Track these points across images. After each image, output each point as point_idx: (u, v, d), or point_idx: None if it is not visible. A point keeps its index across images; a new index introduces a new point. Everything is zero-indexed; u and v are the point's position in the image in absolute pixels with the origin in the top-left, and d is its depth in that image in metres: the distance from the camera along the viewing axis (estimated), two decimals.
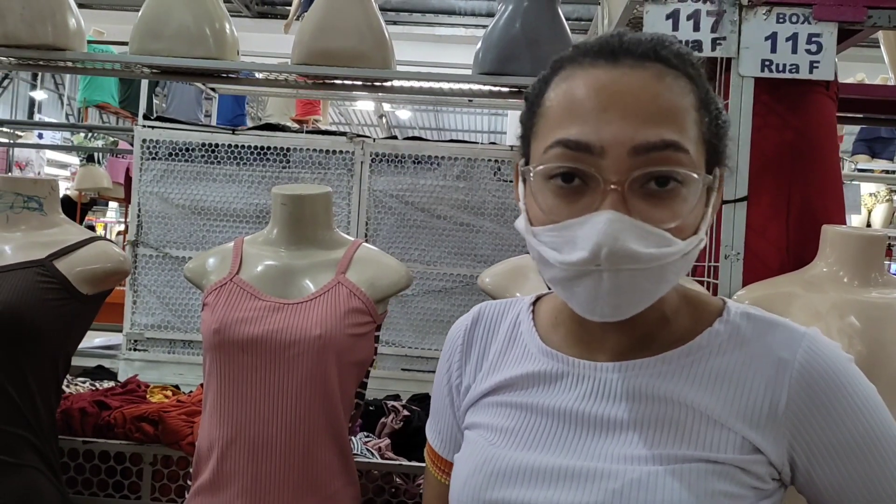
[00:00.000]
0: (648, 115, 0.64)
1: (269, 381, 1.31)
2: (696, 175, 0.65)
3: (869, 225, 6.54)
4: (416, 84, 2.39)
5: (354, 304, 1.38)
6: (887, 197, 6.60)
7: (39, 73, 10.92)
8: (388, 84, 2.37)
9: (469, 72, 2.31)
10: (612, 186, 0.64)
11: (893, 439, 0.68)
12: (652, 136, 0.64)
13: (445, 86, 2.42)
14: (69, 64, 2.40)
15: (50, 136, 9.25)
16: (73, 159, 9.32)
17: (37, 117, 9.90)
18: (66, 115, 12.27)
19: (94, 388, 1.99)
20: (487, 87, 2.35)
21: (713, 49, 1.56)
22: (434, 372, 0.90)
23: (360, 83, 2.35)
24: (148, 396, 1.94)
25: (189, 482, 1.70)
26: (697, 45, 1.56)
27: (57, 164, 9.61)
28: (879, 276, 1.39)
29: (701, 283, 1.55)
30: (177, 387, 2.23)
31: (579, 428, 0.71)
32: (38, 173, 8.02)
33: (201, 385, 2.02)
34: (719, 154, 0.71)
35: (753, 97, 1.55)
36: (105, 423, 1.70)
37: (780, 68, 1.54)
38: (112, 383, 2.15)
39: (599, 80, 0.66)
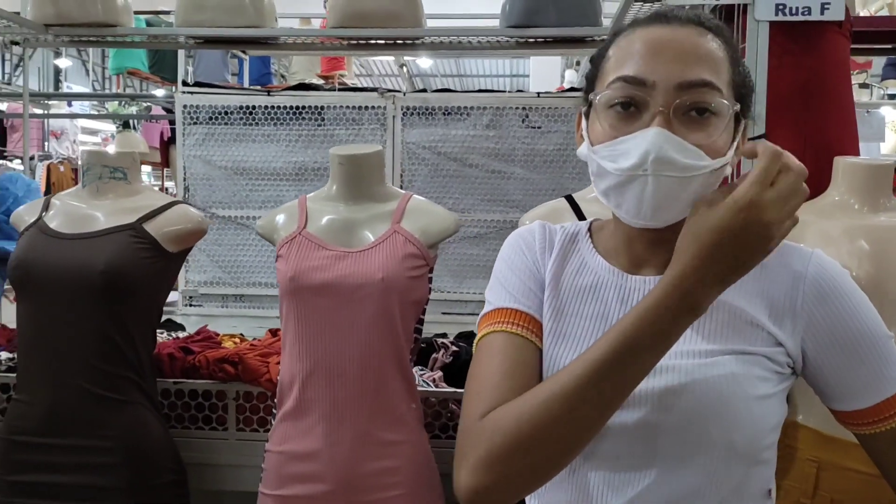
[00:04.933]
0: (691, 60, 0.82)
1: (341, 320, 1.50)
2: (726, 102, 0.82)
3: None
4: (445, 39, 2.51)
5: (410, 249, 1.55)
6: None
7: None
8: (419, 42, 2.49)
9: (486, 19, 2.40)
10: (661, 109, 0.80)
11: (883, 334, 0.86)
12: (693, 75, 0.81)
13: (474, 39, 2.53)
14: (118, 39, 2.56)
15: (78, 105, 9.43)
16: (105, 126, 9.50)
17: (63, 85, 10.11)
18: (92, 82, 12.44)
19: (171, 338, 2.20)
20: (514, 39, 2.47)
21: None
22: (473, 314, 1.03)
23: (393, 42, 2.48)
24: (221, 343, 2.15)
25: (267, 415, 1.90)
26: None
27: (88, 132, 9.83)
28: (887, 201, 1.50)
29: None
30: (241, 334, 2.44)
31: None
32: (74, 141, 8.22)
33: (269, 331, 2.22)
34: (745, 106, 0.87)
35: (769, 39, 1.65)
36: (191, 365, 1.91)
37: (793, 11, 1.64)
38: (184, 333, 2.36)
39: (654, 33, 0.84)
